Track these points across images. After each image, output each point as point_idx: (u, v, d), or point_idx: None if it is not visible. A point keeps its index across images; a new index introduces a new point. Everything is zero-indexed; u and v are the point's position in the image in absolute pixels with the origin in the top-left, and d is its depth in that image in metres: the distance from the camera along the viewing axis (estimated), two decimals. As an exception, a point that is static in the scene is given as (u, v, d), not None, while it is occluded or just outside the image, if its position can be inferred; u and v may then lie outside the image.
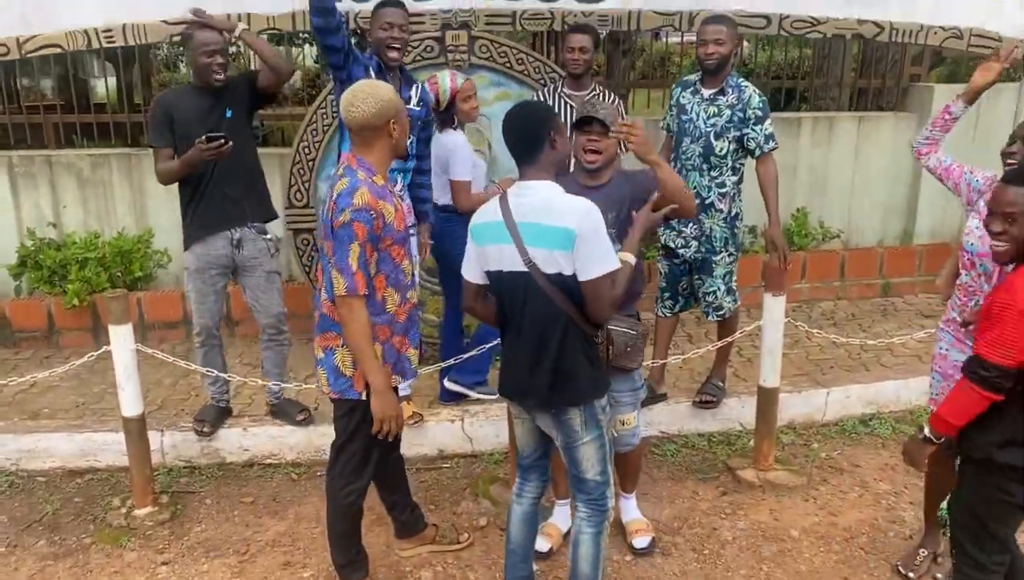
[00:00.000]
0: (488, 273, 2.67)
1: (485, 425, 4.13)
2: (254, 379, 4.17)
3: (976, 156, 6.40)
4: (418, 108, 3.82)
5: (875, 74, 6.71)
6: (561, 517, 3.51)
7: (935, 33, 5.22)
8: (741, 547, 3.48)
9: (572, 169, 3.13)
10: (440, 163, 3.96)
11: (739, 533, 3.56)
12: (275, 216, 4.05)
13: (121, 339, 3.49)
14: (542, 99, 4.27)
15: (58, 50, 4.72)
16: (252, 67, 4.55)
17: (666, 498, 3.76)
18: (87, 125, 6.20)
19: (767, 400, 3.88)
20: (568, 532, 3.47)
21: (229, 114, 3.76)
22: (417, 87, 3.87)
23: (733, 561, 3.38)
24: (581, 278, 2.50)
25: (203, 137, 3.51)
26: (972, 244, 2.85)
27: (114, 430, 3.97)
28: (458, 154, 3.91)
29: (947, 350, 3.06)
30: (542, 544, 3.39)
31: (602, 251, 2.51)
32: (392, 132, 2.70)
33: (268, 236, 3.95)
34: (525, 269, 2.53)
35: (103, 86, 8.54)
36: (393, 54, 3.68)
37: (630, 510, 3.52)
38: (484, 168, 4.25)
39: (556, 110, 4.13)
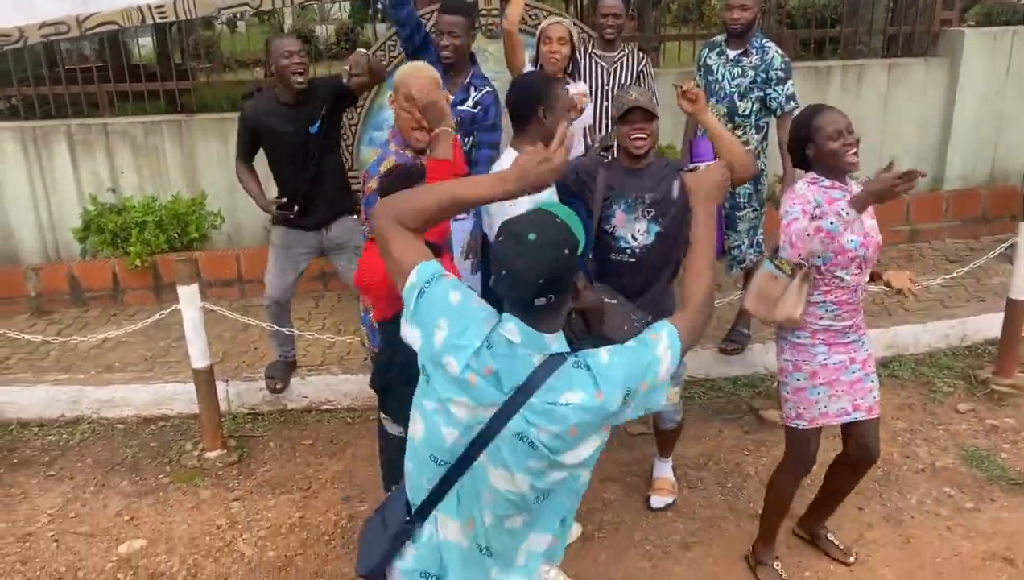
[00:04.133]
0: None
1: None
2: (311, 333, 4.49)
3: (1009, 102, 6.48)
4: (473, 109, 3.91)
5: (906, 20, 6.73)
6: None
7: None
8: (763, 480, 3.72)
9: (615, 156, 3.28)
10: None
11: (761, 468, 3.83)
12: (355, 206, 4.19)
13: (189, 298, 3.81)
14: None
15: (115, 27, 5.00)
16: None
17: (692, 437, 4.02)
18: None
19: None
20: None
21: (315, 129, 3.90)
22: (483, 92, 3.93)
23: (755, 493, 3.66)
24: None
25: (275, 205, 3.97)
26: (851, 240, 2.74)
27: (183, 381, 4.34)
28: None
29: (825, 359, 2.89)
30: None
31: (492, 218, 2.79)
32: (399, 110, 2.95)
33: (354, 215, 4.18)
34: None
35: (143, 46, 8.83)
36: (446, 52, 3.84)
37: (663, 469, 3.66)
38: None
39: (587, 71, 4.31)
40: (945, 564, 3.23)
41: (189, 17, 5.01)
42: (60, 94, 6.22)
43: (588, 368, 1.68)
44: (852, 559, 3.24)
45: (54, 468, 4.04)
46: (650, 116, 3.02)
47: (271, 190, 4.13)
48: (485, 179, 2.03)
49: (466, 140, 3.99)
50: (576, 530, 3.46)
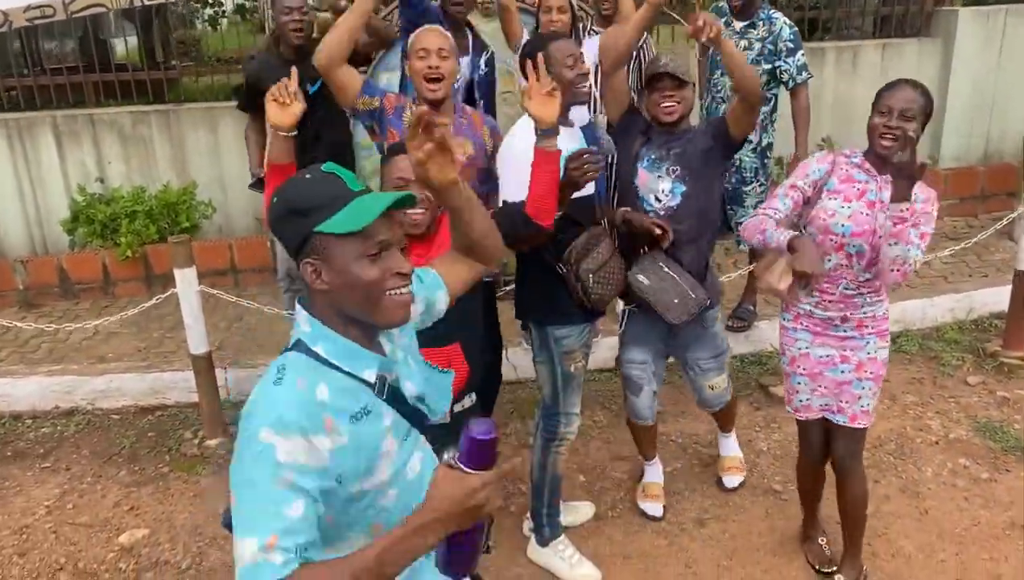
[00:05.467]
0: None
1: (528, 355, 4.33)
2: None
3: (1002, 82, 6.46)
4: (483, 72, 3.79)
5: (899, 0, 6.70)
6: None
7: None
8: (775, 456, 3.70)
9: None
10: None
11: (773, 444, 3.78)
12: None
13: (186, 282, 3.71)
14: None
15: (102, 9, 4.87)
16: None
17: (703, 414, 3.95)
18: (111, 84, 6.28)
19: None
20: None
21: (314, 88, 3.74)
22: (487, 54, 3.83)
23: (768, 469, 3.61)
24: None
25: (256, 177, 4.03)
26: (843, 225, 2.57)
27: (180, 369, 4.24)
28: None
29: (808, 348, 2.75)
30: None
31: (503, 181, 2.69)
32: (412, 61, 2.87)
33: None
34: None
35: (123, 45, 8.65)
36: (458, 6, 3.68)
37: (728, 446, 3.54)
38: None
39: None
40: (965, 534, 3.18)
41: (179, -1, 4.90)
42: (45, 86, 6.10)
43: (278, 377, 1.42)
44: (827, 570, 3.00)
45: (49, 460, 3.93)
46: (681, 83, 2.86)
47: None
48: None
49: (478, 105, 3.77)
50: (589, 509, 3.40)
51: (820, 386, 2.76)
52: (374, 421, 1.49)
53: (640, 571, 3.09)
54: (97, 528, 3.44)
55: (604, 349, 4.30)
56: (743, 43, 4.05)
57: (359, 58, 3.99)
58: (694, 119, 3.23)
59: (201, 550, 3.28)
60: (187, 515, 3.48)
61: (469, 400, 2.59)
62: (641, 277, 2.90)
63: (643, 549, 3.20)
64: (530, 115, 2.34)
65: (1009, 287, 4.36)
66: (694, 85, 3.02)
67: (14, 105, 6.05)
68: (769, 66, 4.03)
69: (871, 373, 2.70)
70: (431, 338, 1.87)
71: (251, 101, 4.04)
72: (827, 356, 2.72)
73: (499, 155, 2.82)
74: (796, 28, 4.04)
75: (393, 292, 1.47)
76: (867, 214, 2.55)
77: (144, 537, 3.36)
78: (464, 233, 1.75)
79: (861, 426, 2.75)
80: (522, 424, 3.99)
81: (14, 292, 5.49)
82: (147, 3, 4.88)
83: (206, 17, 10.44)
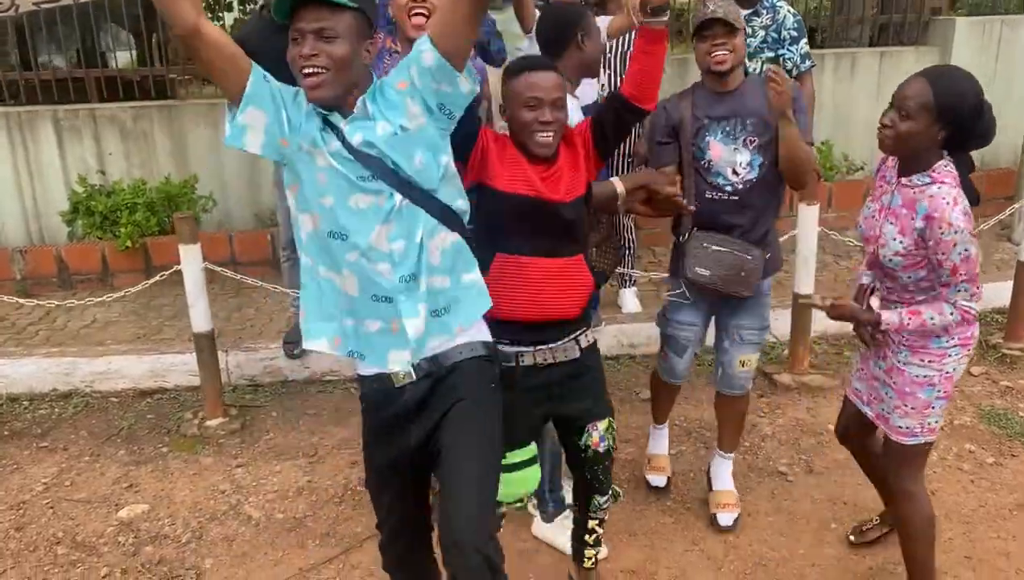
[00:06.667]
0: None
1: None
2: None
3: (998, 90, 6.54)
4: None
5: (896, 9, 6.79)
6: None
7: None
8: (781, 440, 3.68)
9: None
10: None
11: (778, 428, 3.77)
12: None
13: (191, 257, 3.69)
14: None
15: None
16: None
17: (707, 400, 3.93)
18: (113, 84, 6.28)
19: (802, 306, 4.06)
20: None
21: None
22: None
23: (774, 452, 3.60)
24: None
25: None
26: (861, 224, 2.54)
27: (181, 352, 4.21)
28: None
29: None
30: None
31: None
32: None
33: None
34: None
35: (123, 57, 8.65)
36: None
37: (723, 477, 3.22)
38: None
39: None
40: (972, 515, 3.17)
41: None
42: (47, 81, 6.09)
43: None
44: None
45: (47, 440, 3.88)
46: (732, 29, 2.63)
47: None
48: None
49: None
50: (594, 488, 3.36)
51: (863, 370, 2.66)
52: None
53: (646, 547, 3.06)
54: (96, 504, 3.39)
55: (607, 337, 4.29)
56: (747, 31, 4.06)
57: None
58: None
59: (201, 525, 3.23)
60: (187, 492, 3.44)
61: (585, 339, 2.44)
62: (700, 269, 2.76)
63: (649, 527, 3.17)
64: None
65: (1010, 283, 4.38)
66: (745, 31, 2.82)
67: (15, 98, 6.04)
68: (772, 54, 4.05)
69: (895, 382, 2.49)
70: (547, 250, 2.28)
71: None
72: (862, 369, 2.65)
73: None
74: (800, 16, 4.07)
75: (304, 70, 1.85)
76: (876, 219, 2.44)
77: (144, 512, 3.32)
78: None
79: (891, 437, 2.53)
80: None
81: (11, 281, 5.45)
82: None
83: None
